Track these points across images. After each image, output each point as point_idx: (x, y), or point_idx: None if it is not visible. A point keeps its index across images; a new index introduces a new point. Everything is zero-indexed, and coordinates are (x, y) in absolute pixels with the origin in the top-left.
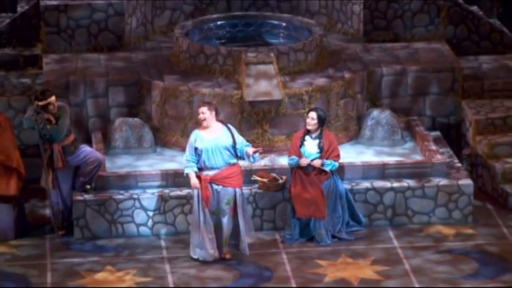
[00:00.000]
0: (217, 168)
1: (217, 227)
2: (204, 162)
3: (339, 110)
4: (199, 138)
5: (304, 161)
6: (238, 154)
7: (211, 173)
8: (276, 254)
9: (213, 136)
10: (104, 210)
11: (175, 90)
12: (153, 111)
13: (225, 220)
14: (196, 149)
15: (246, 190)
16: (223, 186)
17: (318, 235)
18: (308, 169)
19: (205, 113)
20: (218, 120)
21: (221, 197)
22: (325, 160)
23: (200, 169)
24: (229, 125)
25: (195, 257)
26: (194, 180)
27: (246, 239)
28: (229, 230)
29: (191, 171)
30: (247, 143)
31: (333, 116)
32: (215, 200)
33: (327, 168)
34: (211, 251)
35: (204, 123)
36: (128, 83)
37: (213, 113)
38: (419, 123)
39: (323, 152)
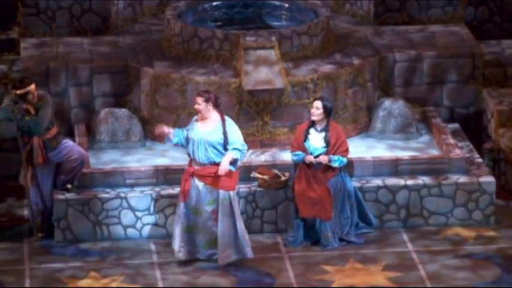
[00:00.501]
0: (201, 164)
1: (193, 228)
2: (189, 153)
3: (347, 99)
4: (193, 125)
5: (310, 159)
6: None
7: (197, 166)
8: (278, 259)
9: (203, 129)
10: (88, 211)
11: (167, 78)
12: (142, 101)
13: (202, 222)
14: (188, 134)
15: (244, 188)
16: (206, 184)
17: (324, 238)
18: (316, 165)
19: (200, 104)
20: (218, 111)
21: (202, 195)
22: (332, 156)
23: (190, 159)
24: (227, 120)
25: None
26: (161, 125)
27: (230, 253)
28: (208, 234)
29: (174, 131)
30: (241, 148)
31: (340, 107)
32: (195, 198)
33: (335, 165)
34: (176, 249)
35: (199, 114)
36: (114, 70)
37: (210, 104)
38: (435, 115)
39: (330, 147)
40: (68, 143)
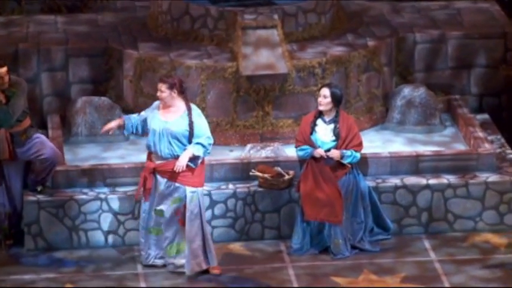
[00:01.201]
0: (163, 158)
1: (157, 231)
2: (150, 145)
3: (360, 86)
4: (155, 113)
5: (319, 152)
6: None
7: (159, 161)
8: (281, 270)
9: (166, 119)
10: (63, 214)
11: (153, 61)
12: (125, 88)
13: (165, 224)
14: (146, 121)
15: (242, 189)
16: (169, 180)
17: (333, 245)
18: (328, 161)
19: (163, 91)
20: (183, 98)
21: (165, 194)
22: (344, 151)
23: (150, 153)
24: (193, 109)
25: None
26: (115, 122)
27: (201, 260)
28: (172, 237)
29: (125, 116)
30: (205, 142)
31: (352, 95)
32: (158, 196)
33: (347, 161)
34: (142, 254)
35: (162, 102)
36: (92, 52)
37: (174, 91)
38: (462, 104)
39: (340, 140)
40: (39, 138)
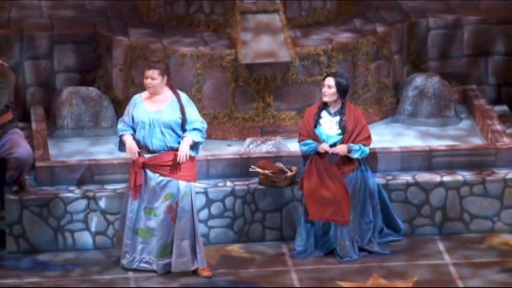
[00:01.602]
0: (154, 151)
1: (146, 233)
2: (139, 140)
3: (369, 76)
4: (139, 105)
5: (324, 148)
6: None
7: (148, 155)
8: (283, 274)
9: (155, 108)
10: (48, 214)
11: (145, 49)
12: (114, 77)
13: (157, 224)
14: (133, 118)
15: (241, 186)
16: (162, 175)
17: (340, 247)
18: (332, 158)
19: (155, 78)
20: (168, 84)
21: (157, 190)
22: (352, 145)
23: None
24: (181, 94)
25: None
26: (131, 143)
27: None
28: (165, 237)
29: (127, 133)
30: (200, 127)
31: (360, 85)
32: (149, 194)
33: (355, 156)
34: (121, 254)
35: (151, 91)
36: (79, 39)
37: (165, 77)
38: (479, 94)
39: (346, 134)
40: (14, 134)
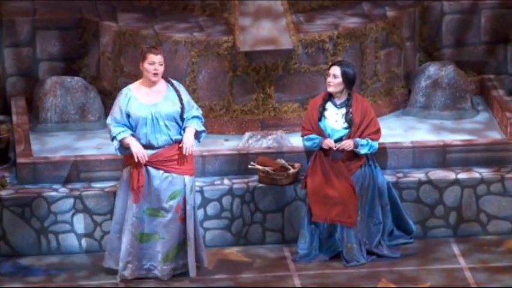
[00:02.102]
0: (160, 147)
1: (150, 237)
2: (140, 138)
3: (378, 64)
4: (133, 101)
5: (329, 143)
6: (182, 126)
7: (151, 152)
8: (285, 279)
9: (153, 100)
10: (30, 214)
11: (135, 35)
12: (101, 66)
13: (163, 226)
14: (129, 115)
15: (240, 184)
16: (166, 171)
17: (346, 250)
18: (336, 155)
19: (162, 64)
20: None
21: (162, 189)
22: (359, 139)
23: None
24: (173, 82)
25: (106, 266)
26: (137, 145)
27: (202, 258)
28: (173, 239)
29: (127, 134)
30: (198, 113)
31: (369, 74)
32: (153, 194)
33: (363, 151)
34: (120, 265)
35: (156, 78)
36: (64, 24)
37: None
38: (497, 85)
39: (353, 127)
40: None
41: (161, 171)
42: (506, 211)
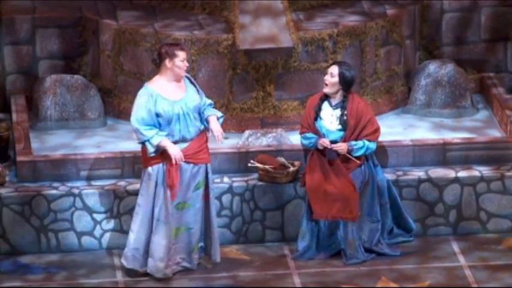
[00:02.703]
0: (192, 139)
1: (180, 230)
2: (173, 134)
3: (378, 63)
4: (161, 100)
5: (324, 143)
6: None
7: (183, 146)
8: (285, 277)
9: (179, 96)
10: (30, 213)
11: (135, 33)
12: (101, 64)
13: (193, 216)
14: (158, 115)
15: (239, 182)
16: (195, 163)
17: (348, 246)
18: (331, 155)
19: (187, 61)
20: None
21: (191, 180)
22: (354, 142)
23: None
24: (188, 75)
25: (129, 266)
26: (174, 148)
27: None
28: (200, 229)
29: (162, 138)
30: (210, 101)
31: (369, 73)
32: (183, 187)
33: (359, 154)
34: (162, 264)
35: (184, 74)
36: (64, 23)
37: None
38: (497, 83)
39: (348, 130)
40: None
41: (191, 165)
42: (506, 209)
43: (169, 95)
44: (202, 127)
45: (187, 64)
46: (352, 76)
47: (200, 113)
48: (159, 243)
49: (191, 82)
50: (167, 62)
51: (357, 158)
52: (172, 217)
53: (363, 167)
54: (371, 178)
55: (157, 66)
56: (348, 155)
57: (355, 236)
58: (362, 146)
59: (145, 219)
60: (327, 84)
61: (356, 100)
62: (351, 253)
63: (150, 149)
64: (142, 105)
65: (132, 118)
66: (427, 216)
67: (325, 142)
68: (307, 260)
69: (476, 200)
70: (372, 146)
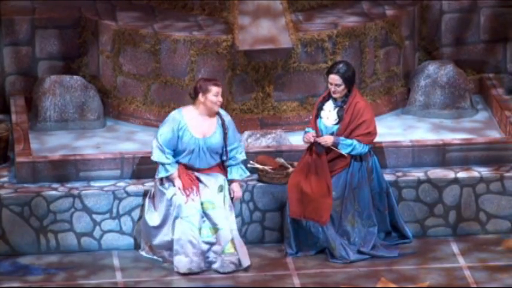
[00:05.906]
0: (199, 169)
1: (212, 230)
2: (182, 161)
3: (377, 63)
4: (186, 133)
5: (307, 137)
6: (223, 158)
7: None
8: (284, 278)
9: (203, 134)
10: (29, 213)
11: (134, 34)
12: (101, 65)
13: (220, 213)
14: (178, 141)
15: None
16: (207, 174)
17: (329, 249)
18: (318, 148)
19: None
20: None
21: (211, 182)
22: (342, 138)
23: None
24: (223, 115)
25: (183, 271)
26: (180, 183)
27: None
28: (228, 230)
29: (174, 170)
30: (242, 155)
31: (368, 73)
32: (203, 188)
33: (344, 152)
34: (186, 260)
35: (217, 109)
36: (63, 24)
37: None
38: (496, 84)
39: (341, 125)
40: None
41: (203, 175)
42: (505, 210)
43: (195, 130)
44: (216, 162)
45: (220, 99)
46: (352, 72)
47: (219, 152)
48: (181, 238)
49: (222, 122)
50: (200, 96)
51: (344, 156)
52: (198, 215)
53: (350, 169)
54: (364, 182)
55: (193, 100)
56: (333, 147)
57: (334, 236)
58: (350, 144)
59: (166, 217)
60: (336, 93)
61: (357, 98)
62: (334, 253)
63: (162, 174)
64: (170, 125)
65: (158, 132)
66: (427, 217)
67: (309, 136)
68: (296, 258)
69: (475, 201)
70: (360, 147)
